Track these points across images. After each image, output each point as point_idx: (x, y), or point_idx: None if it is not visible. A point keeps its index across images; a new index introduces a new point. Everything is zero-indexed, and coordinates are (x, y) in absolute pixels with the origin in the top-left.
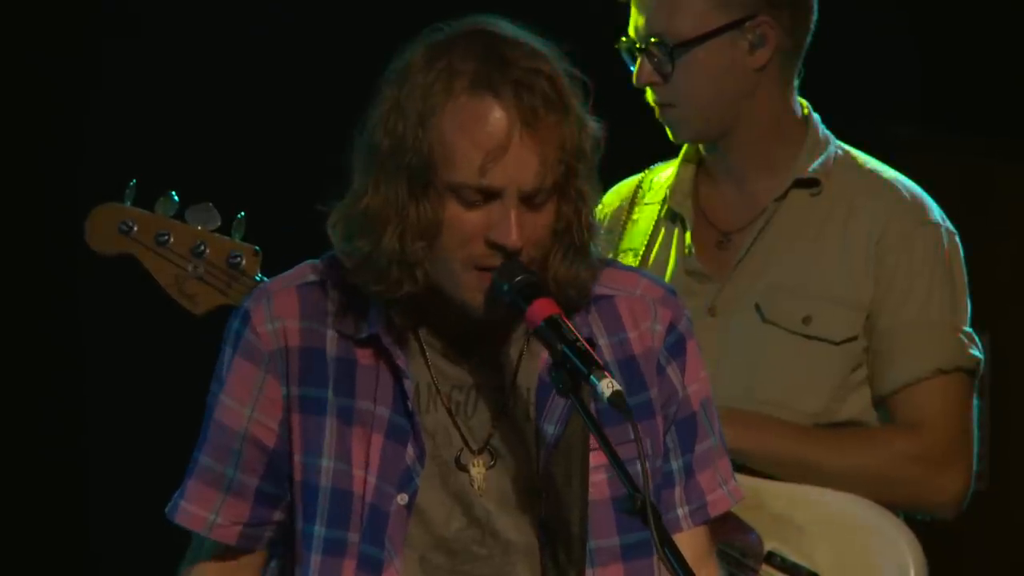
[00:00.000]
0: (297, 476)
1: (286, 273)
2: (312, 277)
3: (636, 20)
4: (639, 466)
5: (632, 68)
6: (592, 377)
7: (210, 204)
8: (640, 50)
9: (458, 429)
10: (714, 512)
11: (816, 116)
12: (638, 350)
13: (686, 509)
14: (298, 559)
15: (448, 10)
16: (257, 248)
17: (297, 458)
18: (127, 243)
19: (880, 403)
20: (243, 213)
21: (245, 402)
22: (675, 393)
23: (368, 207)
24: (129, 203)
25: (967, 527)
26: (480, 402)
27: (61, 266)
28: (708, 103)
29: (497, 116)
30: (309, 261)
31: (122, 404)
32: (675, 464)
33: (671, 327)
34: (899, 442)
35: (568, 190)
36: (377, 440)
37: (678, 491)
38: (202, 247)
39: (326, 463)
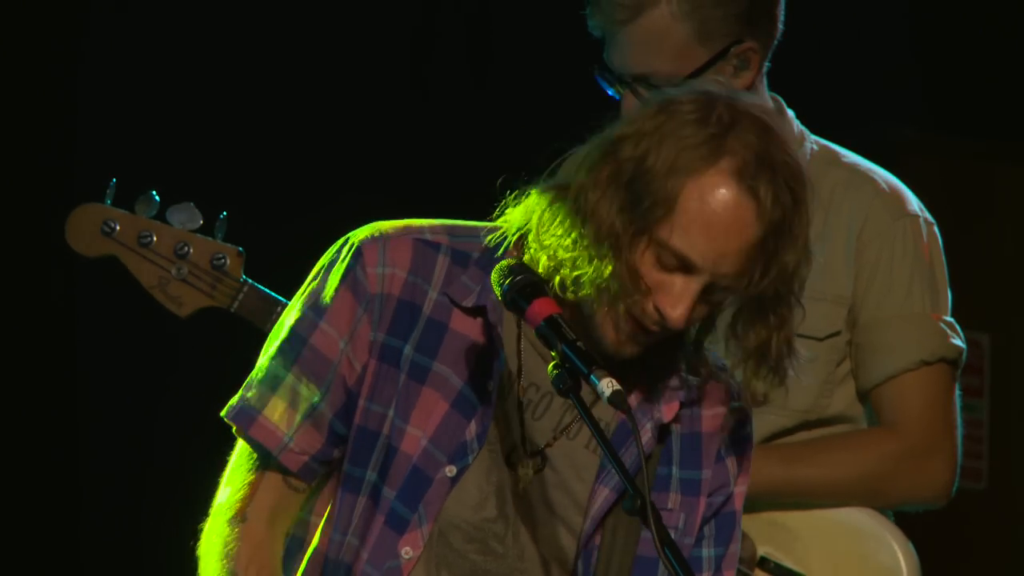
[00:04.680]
0: (356, 419)
1: (400, 222)
2: (429, 236)
3: (618, 56)
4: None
5: (609, 92)
6: (592, 376)
7: (191, 204)
8: (625, 84)
9: (521, 426)
10: None
11: (791, 112)
12: (706, 428)
13: None
14: (340, 499)
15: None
16: (241, 249)
17: (362, 403)
18: (110, 244)
19: (864, 396)
20: (224, 213)
21: (343, 334)
22: (726, 485)
23: (589, 215)
24: (109, 203)
25: (967, 527)
26: (551, 410)
27: (59, 265)
28: None
29: (747, 219)
30: (424, 219)
31: (120, 404)
32: (707, 552)
33: (741, 424)
34: (885, 443)
35: (769, 313)
36: (442, 406)
37: None
38: (185, 248)
39: (391, 413)
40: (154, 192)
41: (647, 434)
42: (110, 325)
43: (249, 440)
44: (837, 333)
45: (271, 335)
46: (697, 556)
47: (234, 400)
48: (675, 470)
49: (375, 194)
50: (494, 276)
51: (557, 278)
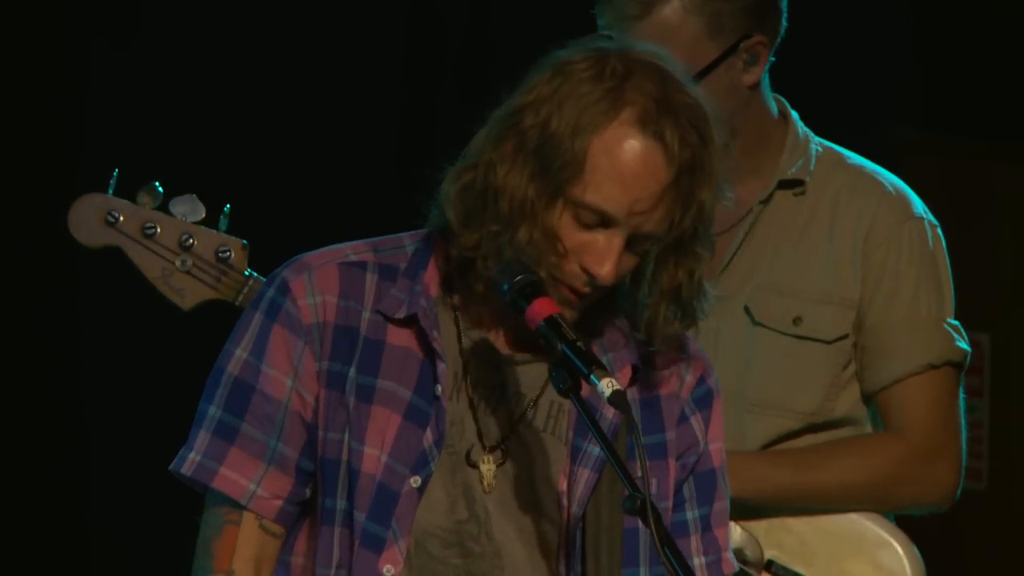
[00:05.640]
0: (319, 452)
1: (323, 249)
2: (353, 257)
3: None
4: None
5: None
6: (592, 376)
7: (194, 195)
8: None
9: (475, 423)
10: (727, 570)
11: (794, 113)
12: (663, 391)
13: (703, 560)
14: (320, 534)
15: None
16: (244, 241)
17: (321, 434)
18: (113, 235)
19: (869, 399)
20: (228, 205)
21: (286, 372)
22: (695, 444)
23: (500, 189)
24: (112, 193)
25: (967, 527)
26: (503, 403)
27: (59, 259)
28: None
29: (657, 163)
30: (348, 243)
31: (120, 400)
32: (690, 514)
33: (701, 380)
34: (893, 447)
35: (686, 252)
36: (395, 420)
37: (694, 541)
38: (189, 240)
39: (346, 438)
40: (157, 183)
41: (610, 409)
42: (112, 316)
43: (214, 493)
44: (845, 336)
45: (209, 381)
46: (682, 520)
47: (185, 456)
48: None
49: (377, 186)
50: (495, 277)
51: (480, 256)
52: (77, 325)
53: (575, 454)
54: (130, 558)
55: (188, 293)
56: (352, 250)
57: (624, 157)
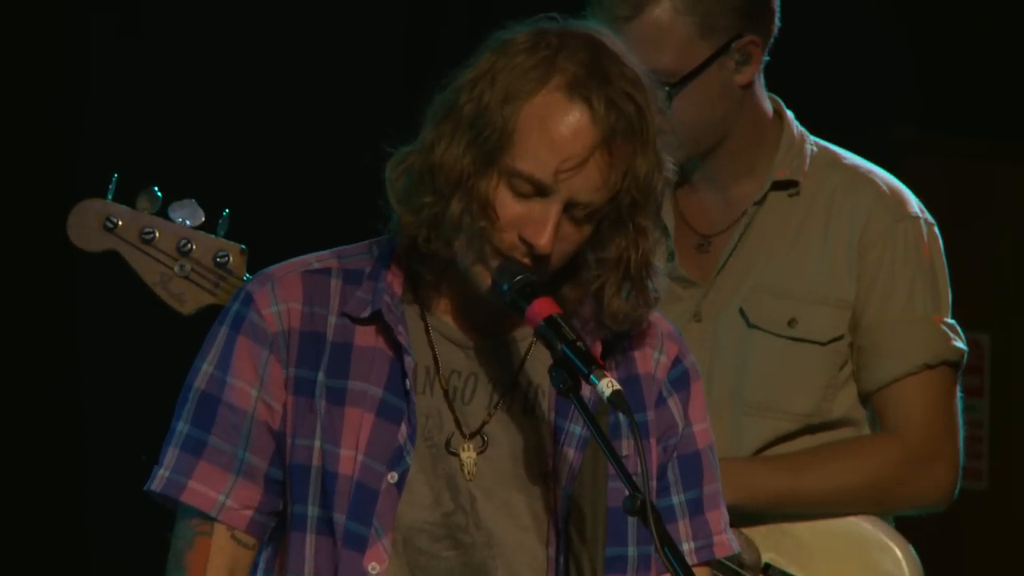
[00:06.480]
0: (288, 458)
1: (288, 261)
2: (316, 265)
3: None
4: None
5: None
6: (592, 376)
7: (193, 200)
8: None
9: (452, 413)
10: (719, 553)
11: (790, 113)
12: (642, 370)
13: (692, 545)
14: (290, 542)
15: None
16: (243, 247)
17: (290, 441)
18: (112, 240)
19: (866, 399)
20: (227, 211)
21: (252, 383)
22: (674, 425)
23: (437, 165)
24: (111, 198)
25: (967, 527)
26: (478, 390)
27: (58, 263)
28: (701, 127)
29: (582, 124)
30: (312, 253)
31: (120, 403)
32: (676, 498)
33: (676, 361)
34: (889, 448)
35: (628, 223)
36: (368, 419)
37: (682, 526)
38: (187, 245)
39: (317, 444)
40: (156, 188)
41: (586, 390)
42: (111, 321)
43: (184, 507)
44: (840, 337)
45: (179, 398)
46: (667, 505)
47: (155, 473)
48: (622, 416)
49: (376, 191)
50: (495, 276)
51: (420, 234)
52: (77, 328)
53: (558, 434)
54: (130, 559)
55: (187, 298)
56: (316, 259)
57: (551, 122)
